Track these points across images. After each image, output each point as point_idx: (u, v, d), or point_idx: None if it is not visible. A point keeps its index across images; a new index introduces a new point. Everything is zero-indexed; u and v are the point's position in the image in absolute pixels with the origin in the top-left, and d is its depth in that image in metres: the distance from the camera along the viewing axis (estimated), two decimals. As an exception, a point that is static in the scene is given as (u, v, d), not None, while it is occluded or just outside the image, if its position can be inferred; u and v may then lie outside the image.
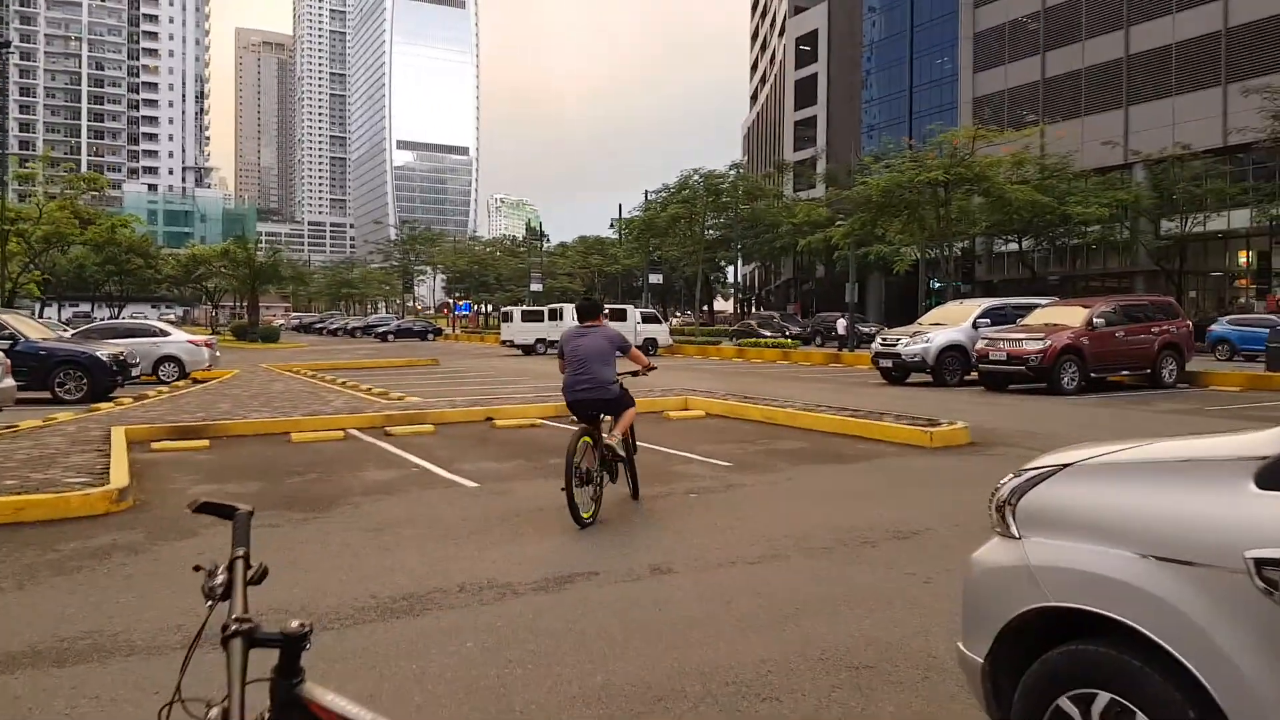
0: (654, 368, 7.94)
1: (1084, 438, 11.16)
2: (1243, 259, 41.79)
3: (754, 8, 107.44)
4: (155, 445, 10.75)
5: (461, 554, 5.90)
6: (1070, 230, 39.50)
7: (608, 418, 7.21)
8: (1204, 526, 2.16)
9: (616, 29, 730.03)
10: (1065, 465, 2.60)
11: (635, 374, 7.70)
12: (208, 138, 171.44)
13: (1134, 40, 44.87)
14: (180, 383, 20.41)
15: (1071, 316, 18.40)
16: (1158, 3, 43.68)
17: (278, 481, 8.63)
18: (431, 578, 5.34)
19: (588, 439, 6.82)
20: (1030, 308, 20.65)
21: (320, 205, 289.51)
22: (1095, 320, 17.93)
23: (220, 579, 1.58)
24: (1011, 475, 2.79)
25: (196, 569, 1.65)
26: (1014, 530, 2.65)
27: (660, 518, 6.99)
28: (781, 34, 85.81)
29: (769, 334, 40.98)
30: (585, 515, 6.59)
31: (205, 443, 11.02)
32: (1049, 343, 17.28)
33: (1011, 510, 2.68)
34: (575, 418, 7.30)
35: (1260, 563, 2.01)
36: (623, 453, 7.25)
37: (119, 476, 7.83)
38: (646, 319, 37.50)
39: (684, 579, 5.28)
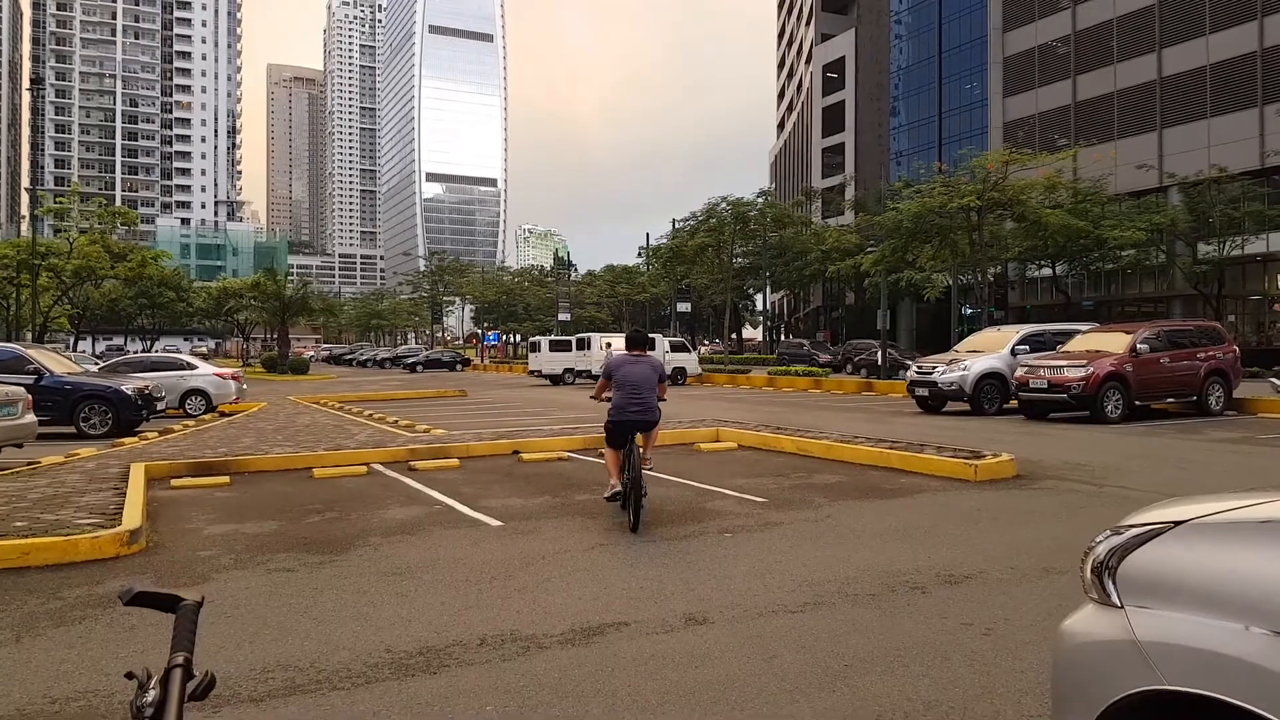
0: (663, 399, 8.67)
1: (1135, 469, 10.67)
2: (1284, 282, 40.87)
3: (780, 36, 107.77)
4: (175, 482, 10.53)
5: (484, 602, 5.55)
6: (1105, 255, 38.79)
7: (640, 436, 8.16)
8: None
9: (643, 58, 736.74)
10: (1179, 522, 2.21)
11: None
12: (239, 171, 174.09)
13: (1167, 62, 44.28)
14: (206, 416, 20.31)
15: (1114, 343, 17.84)
16: (1190, 24, 43.12)
17: (296, 520, 8.34)
18: (451, 629, 5.00)
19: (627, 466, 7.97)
20: (1070, 334, 20.09)
21: (350, 237, 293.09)
22: (1139, 346, 17.36)
23: (151, 696, 1.24)
24: (1109, 532, 2.40)
25: (129, 676, 1.31)
26: (1115, 598, 2.27)
27: (694, 560, 6.61)
28: (808, 62, 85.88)
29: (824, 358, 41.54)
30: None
31: (226, 479, 10.78)
32: (1091, 370, 16.74)
33: (1111, 574, 2.30)
34: (611, 438, 8.11)
35: None
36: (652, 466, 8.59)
37: (131, 518, 7.56)
38: (675, 348, 37.18)
39: (721, 630, 4.90)
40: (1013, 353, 19.62)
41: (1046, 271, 43.67)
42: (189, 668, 1.29)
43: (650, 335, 37.39)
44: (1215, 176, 35.81)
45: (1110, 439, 14.18)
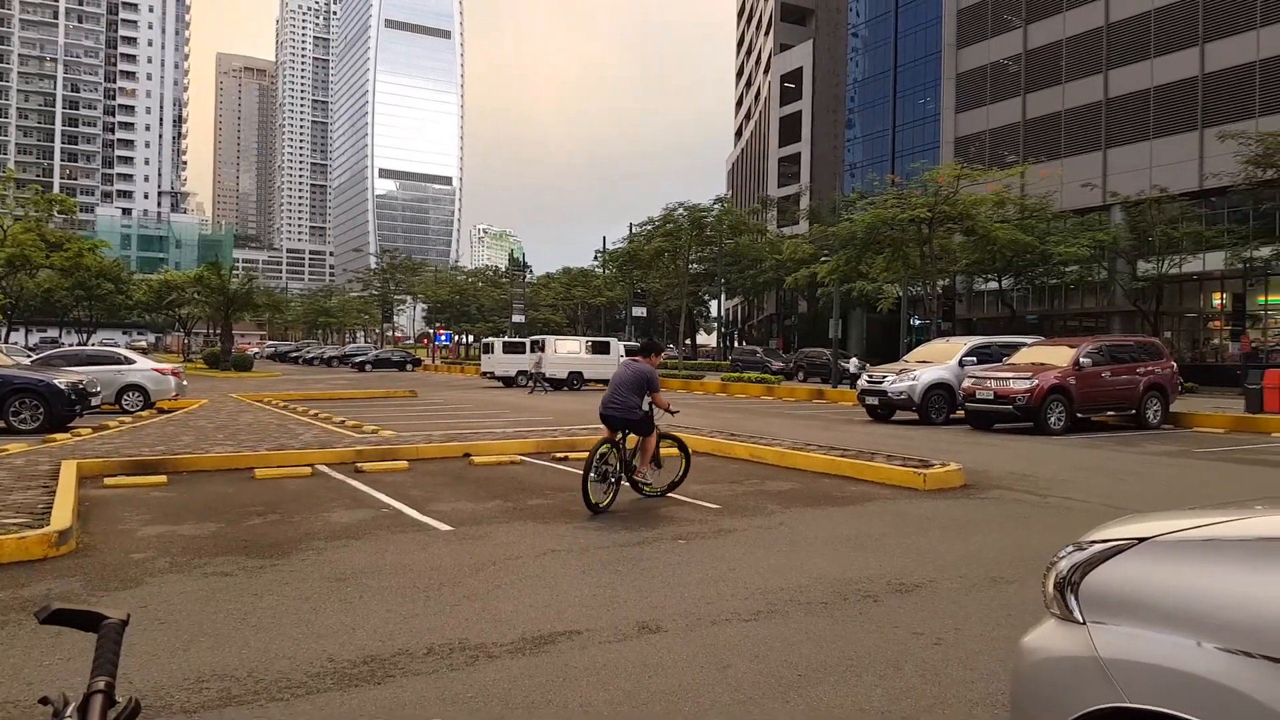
0: (675, 410, 9.42)
1: (1077, 480, 10.85)
2: (1217, 301, 42.00)
3: (739, 45, 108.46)
4: (108, 481, 10.18)
5: (431, 609, 5.43)
6: (1050, 270, 39.58)
7: (633, 436, 9.05)
8: None
9: (604, 62, 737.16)
10: (1142, 539, 2.20)
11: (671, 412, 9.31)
12: (185, 162, 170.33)
13: (1113, 84, 45.32)
14: (144, 413, 19.78)
15: (1058, 356, 18.20)
16: (1136, 48, 44.19)
17: (236, 523, 8.11)
18: (397, 637, 4.87)
19: (607, 447, 8.77)
20: (1016, 346, 20.46)
21: (299, 233, 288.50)
22: (1082, 360, 17.73)
23: None
24: (1071, 547, 2.38)
25: (43, 702, 1.19)
26: (1077, 614, 2.25)
27: (647, 566, 6.54)
28: (766, 71, 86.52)
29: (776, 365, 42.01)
30: (599, 502, 8.53)
31: (163, 479, 10.46)
32: (1036, 382, 17.04)
33: (1074, 590, 2.28)
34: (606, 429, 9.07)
35: None
36: (651, 479, 9.23)
37: (61, 518, 7.27)
38: (630, 352, 37.09)
39: (674, 639, 4.84)
40: (960, 364, 19.91)
41: (993, 285, 44.43)
42: (111, 694, 1.19)
43: (605, 340, 37.47)
44: (1156, 197, 36.72)
45: (1053, 450, 14.43)
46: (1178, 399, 20.09)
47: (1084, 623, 2.22)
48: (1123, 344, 20.05)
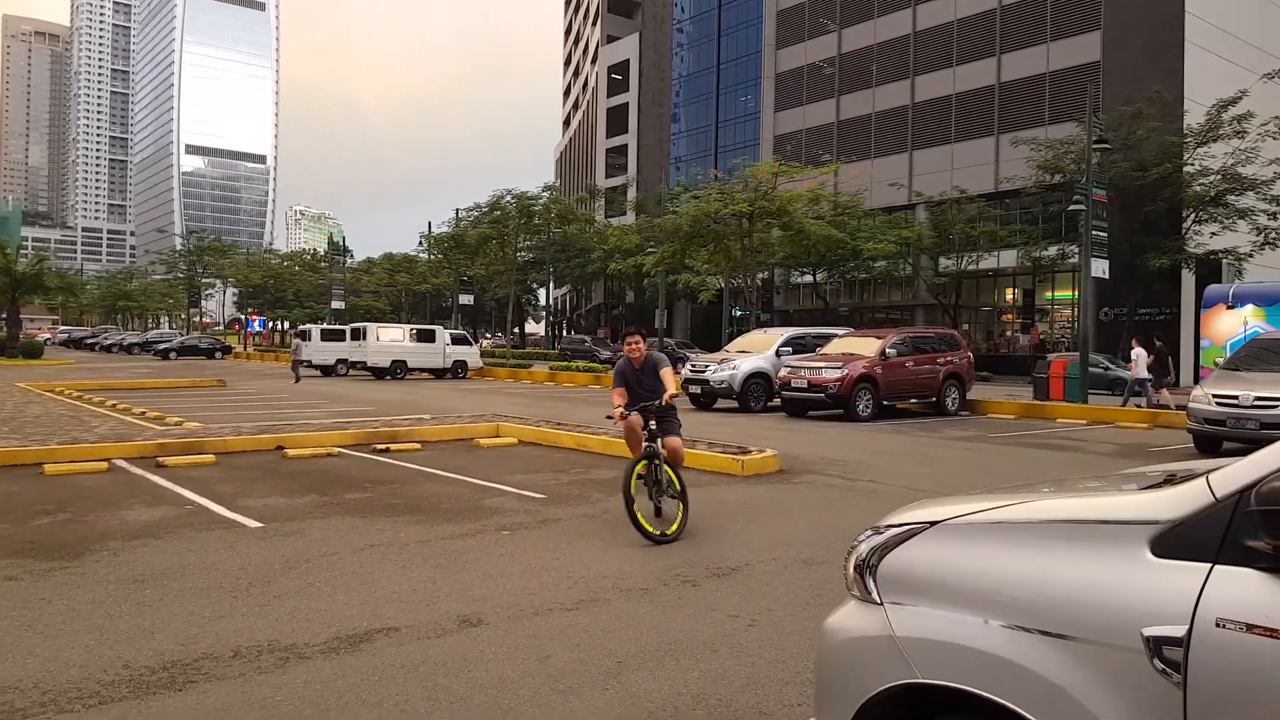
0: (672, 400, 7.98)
1: (883, 465, 11.54)
2: (1010, 295, 45.57)
3: (567, 33, 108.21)
4: None
5: (239, 610, 5.18)
6: (860, 265, 41.81)
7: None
8: (1095, 599, 1.94)
9: (428, 46, 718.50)
10: (934, 523, 2.36)
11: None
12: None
13: (919, 90, 48.22)
14: (-89, 405, 17.83)
15: (866, 347, 19.24)
16: (939, 56, 47.17)
17: (22, 523, 7.46)
18: (201, 641, 4.62)
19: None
20: (828, 337, 21.48)
21: (97, 210, 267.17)
22: (888, 351, 18.82)
23: None
24: (870, 531, 2.53)
25: None
26: (875, 595, 2.39)
27: (470, 559, 6.47)
28: (594, 62, 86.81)
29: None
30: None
31: (-67, 477, 9.49)
32: (846, 372, 17.96)
33: (872, 572, 2.42)
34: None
35: (1159, 641, 1.81)
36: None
37: None
38: (456, 340, 36.48)
39: (496, 631, 4.82)
40: (777, 354, 20.73)
41: (809, 278, 46.51)
42: None
43: (431, 328, 36.67)
44: (956, 197, 39.46)
45: (861, 436, 15.27)
46: (974, 387, 21.67)
47: (881, 603, 2.36)
48: (925, 335, 21.43)
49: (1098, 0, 40.20)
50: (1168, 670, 1.79)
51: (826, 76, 53.52)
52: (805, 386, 18.35)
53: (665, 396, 7.56)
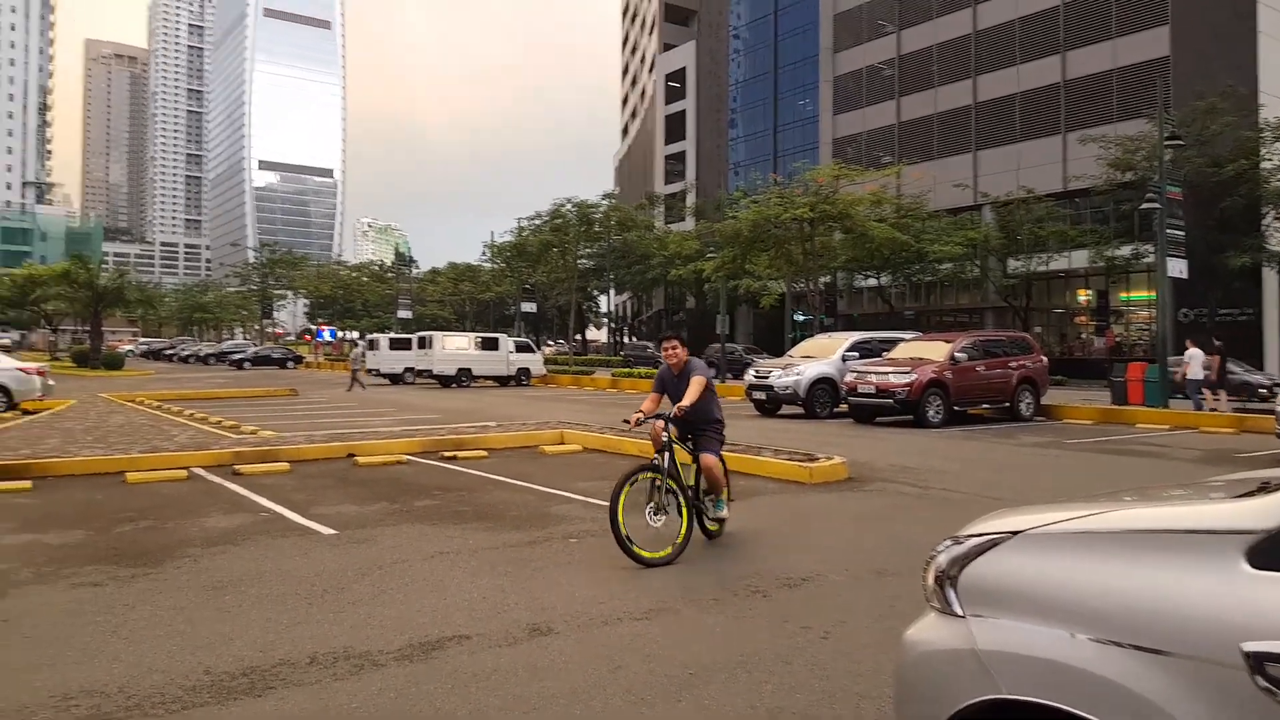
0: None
1: (956, 472, 11.30)
2: (1082, 297, 44.42)
3: (625, 43, 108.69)
4: (-38, 489, 9.53)
5: (314, 617, 5.26)
6: (925, 267, 41.17)
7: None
8: (1190, 612, 1.86)
9: (489, 57, 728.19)
10: (1015, 533, 2.29)
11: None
12: (50, 152, 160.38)
13: (981, 89, 47.37)
14: (6, 414, 18.56)
15: (935, 351, 18.90)
16: (1002, 55, 46.30)
17: (106, 530, 7.70)
18: (278, 647, 4.70)
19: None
20: (895, 342, 21.16)
21: (174, 226, 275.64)
22: (957, 355, 18.46)
23: None
24: (949, 541, 2.46)
25: None
26: (956, 607, 2.32)
27: (538, 567, 6.49)
28: (651, 70, 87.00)
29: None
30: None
31: (27, 484, 9.85)
32: (915, 376, 17.65)
33: (952, 584, 2.35)
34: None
35: (1260, 657, 1.72)
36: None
37: (-91, 530, 6.78)
38: (519, 348, 36.84)
39: (566, 640, 4.81)
40: (843, 359, 20.48)
41: (873, 281, 45.92)
42: None
43: (494, 336, 37.07)
44: (1023, 197, 38.61)
45: (932, 442, 14.99)
46: (1048, 392, 21.13)
47: (963, 616, 2.29)
48: (995, 339, 20.99)
49: (1167, -5, 39.11)
50: (1271, 689, 1.70)
51: (886, 78, 52.90)
52: (873, 392, 18.09)
53: (675, 409, 6.89)
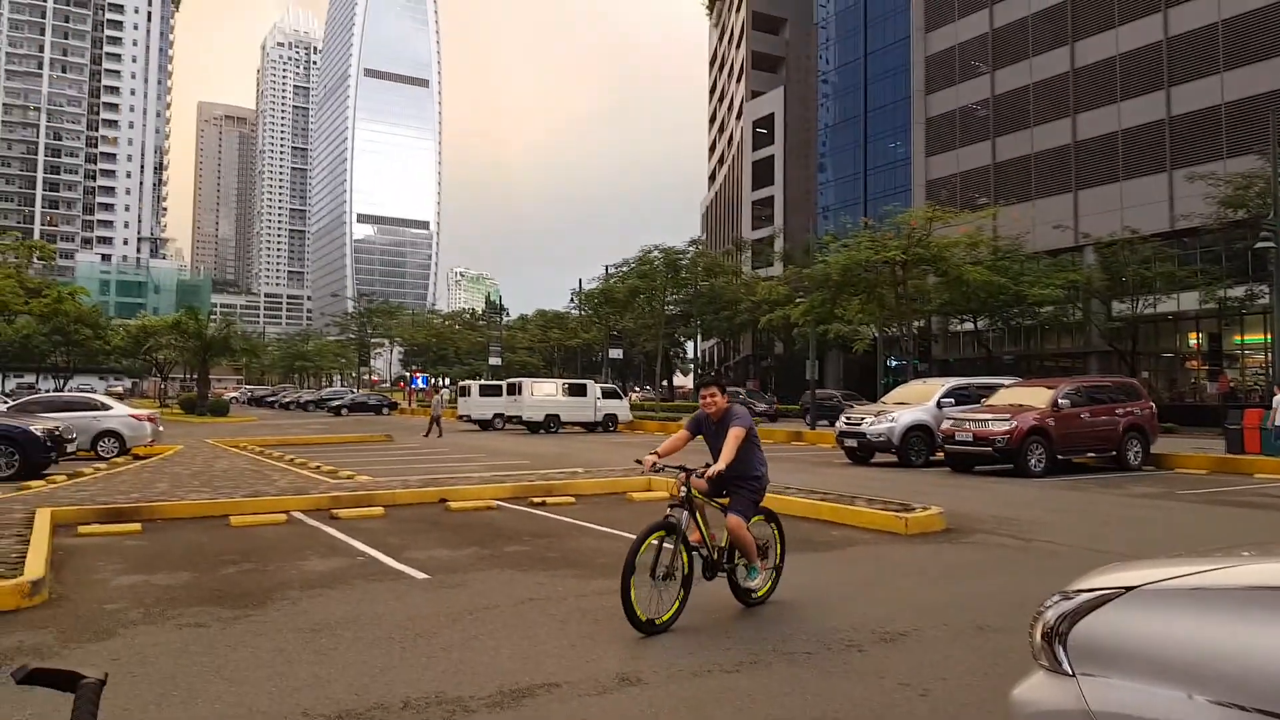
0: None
1: (1060, 524, 10.85)
2: (1193, 341, 42.54)
3: (712, 91, 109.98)
4: (82, 529, 10.00)
5: (408, 661, 5.31)
6: (1024, 310, 40.05)
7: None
8: None
9: (578, 109, 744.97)
10: (1129, 588, 2.17)
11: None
12: (165, 209, 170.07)
13: (1081, 127, 46.25)
14: (119, 459, 19.47)
15: (1036, 397, 18.28)
16: (1102, 92, 45.19)
17: (211, 572, 7.96)
18: (372, 690, 4.75)
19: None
20: (993, 388, 20.55)
21: (278, 277, 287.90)
22: (1060, 401, 17.81)
23: None
24: (1058, 596, 2.35)
25: None
26: (1066, 666, 2.21)
27: (624, 623, 6.43)
28: (739, 117, 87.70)
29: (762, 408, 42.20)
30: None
31: (137, 526, 10.28)
32: (1015, 424, 17.09)
33: (1061, 641, 2.25)
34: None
35: None
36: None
37: (34, 567, 7.13)
38: (606, 394, 37.06)
39: (655, 691, 4.75)
40: (939, 405, 19.97)
41: (968, 325, 44.86)
42: None
43: (582, 382, 37.42)
44: (1128, 238, 37.32)
45: (1034, 492, 14.44)
46: (1158, 439, 20.18)
47: (1073, 674, 2.19)
48: (1101, 385, 20.18)
49: (1275, 27, 37.66)
50: None
51: (980, 119, 52.15)
52: (970, 440, 17.57)
53: (710, 471, 6.06)
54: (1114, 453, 18.36)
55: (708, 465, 6.19)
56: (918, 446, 19.51)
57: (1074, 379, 20.72)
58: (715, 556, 6.24)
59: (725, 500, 6.41)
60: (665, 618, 5.89)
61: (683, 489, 6.07)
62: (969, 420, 17.86)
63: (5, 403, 26.16)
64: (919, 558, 8.71)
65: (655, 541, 5.86)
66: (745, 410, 6.55)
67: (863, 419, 20.32)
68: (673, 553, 5.91)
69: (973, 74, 52.69)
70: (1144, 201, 41.93)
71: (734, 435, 6.16)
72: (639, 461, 6.42)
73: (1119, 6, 44.42)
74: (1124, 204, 42.66)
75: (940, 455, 19.11)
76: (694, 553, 6.10)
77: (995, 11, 51.30)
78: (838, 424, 21.82)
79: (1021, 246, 40.51)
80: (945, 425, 18.43)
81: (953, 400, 20.09)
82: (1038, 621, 2.36)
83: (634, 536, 5.84)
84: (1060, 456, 17.61)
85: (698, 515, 6.14)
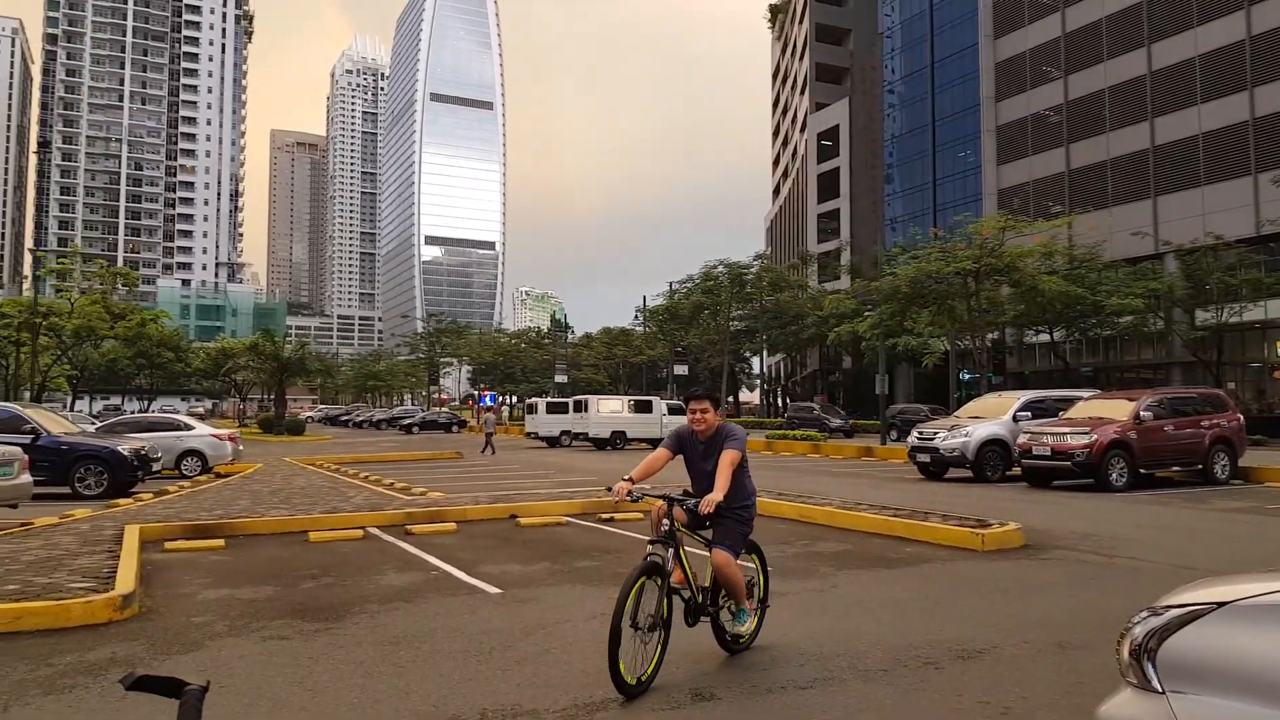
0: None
1: (1144, 539, 10.51)
2: (1281, 349, 40.95)
3: (775, 105, 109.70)
4: (169, 545, 10.35)
5: (483, 673, 5.38)
6: (1103, 321, 38.97)
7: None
8: None
9: (640, 125, 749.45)
10: (1221, 604, 2.12)
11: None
12: (241, 234, 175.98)
13: (1159, 131, 45.01)
14: (202, 477, 20.11)
15: (1116, 410, 17.74)
16: (1181, 94, 43.93)
17: (292, 586, 8.17)
18: (450, 702, 4.83)
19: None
20: (1071, 400, 20.02)
21: (349, 299, 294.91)
22: (1143, 414, 17.27)
23: None
24: (1146, 613, 2.30)
25: None
26: (1155, 683, 2.16)
27: (695, 631, 6.41)
28: (803, 130, 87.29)
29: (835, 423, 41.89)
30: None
31: (220, 542, 10.60)
32: (1095, 437, 16.62)
33: (1150, 657, 2.19)
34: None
35: None
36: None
37: (125, 582, 7.40)
38: (672, 410, 37.04)
39: (729, 708, 4.73)
40: (1014, 419, 19.52)
41: (1044, 337, 43.80)
42: None
43: (648, 399, 37.49)
44: (1211, 244, 36.11)
45: (1116, 508, 14.03)
46: (1246, 453, 19.43)
47: (1163, 692, 2.13)
48: (1185, 396, 19.54)
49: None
50: None
51: (1053, 125, 51.08)
52: (1048, 454, 17.14)
53: (704, 502, 5.17)
54: (1199, 466, 17.74)
55: (686, 492, 5.55)
56: (993, 461, 19.10)
57: (1156, 390, 20.06)
58: (700, 599, 5.39)
59: (709, 532, 5.56)
60: (647, 674, 4.98)
61: (665, 522, 5.23)
62: (1047, 434, 17.43)
63: (93, 424, 27.20)
64: (996, 574, 8.52)
65: (637, 590, 4.93)
66: (741, 429, 5.69)
67: (936, 434, 19.97)
68: (656, 599, 5.03)
69: (1044, 79, 51.68)
70: (1227, 206, 40.58)
71: (729, 459, 5.33)
72: (609, 490, 5.52)
73: (1198, 6, 43.21)
74: (1206, 209, 41.36)
75: (1017, 470, 18.68)
76: (674, 595, 5.26)
77: (1067, 15, 50.30)
78: (909, 439, 21.46)
79: (1098, 255, 39.50)
80: (1022, 439, 18.01)
81: (1029, 414, 19.62)
82: (1125, 638, 2.31)
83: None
84: (1143, 470, 17.07)
85: (681, 552, 5.33)
